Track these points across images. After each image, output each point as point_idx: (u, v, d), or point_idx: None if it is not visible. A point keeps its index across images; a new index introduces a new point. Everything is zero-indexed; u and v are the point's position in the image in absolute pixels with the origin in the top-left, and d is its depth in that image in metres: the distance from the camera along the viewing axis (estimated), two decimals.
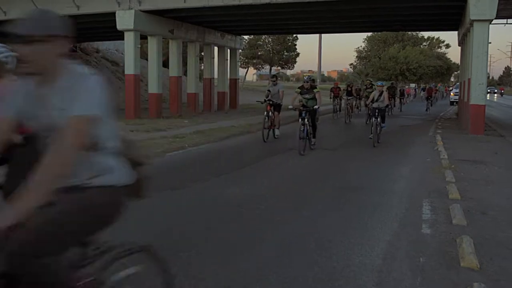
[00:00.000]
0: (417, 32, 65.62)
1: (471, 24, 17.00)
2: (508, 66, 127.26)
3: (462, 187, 7.92)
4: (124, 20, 21.90)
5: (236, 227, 5.77)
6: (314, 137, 12.44)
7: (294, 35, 63.06)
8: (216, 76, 31.45)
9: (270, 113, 14.05)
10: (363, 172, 9.63)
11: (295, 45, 66.32)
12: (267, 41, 65.05)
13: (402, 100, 33.08)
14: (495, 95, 70.74)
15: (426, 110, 30.49)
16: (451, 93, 43.07)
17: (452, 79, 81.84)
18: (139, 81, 24.04)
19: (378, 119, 13.67)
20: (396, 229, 5.78)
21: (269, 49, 65.20)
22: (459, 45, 27.35)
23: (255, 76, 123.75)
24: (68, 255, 2.40)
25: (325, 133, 15.65)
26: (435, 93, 43.83)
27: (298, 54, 67.68)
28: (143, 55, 29.41)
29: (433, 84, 39.26)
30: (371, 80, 27.94)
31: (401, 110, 30.71)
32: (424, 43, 71.06)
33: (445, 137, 15.28)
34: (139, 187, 2.76)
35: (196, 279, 4.23)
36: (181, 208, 6.70)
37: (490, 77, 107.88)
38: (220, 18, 25.37)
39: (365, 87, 24.97)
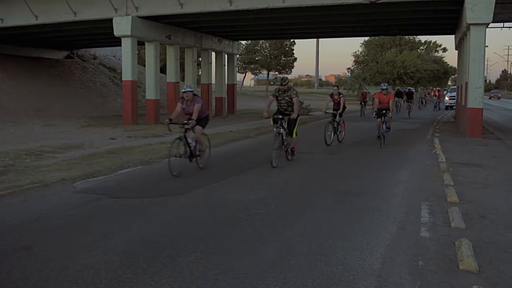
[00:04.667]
0: (414, 36, 65.95)
1: (468, 28, 17.05)
2: (505, 69, 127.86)
3: (460, 191, 7.93)
4: (121, 26, 21.92)
5: (236, 232, 5.76)
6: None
7: (292, 40, 63.19)
8: (213, 81, 31.48)
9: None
10: (362, 176, 9.63)
11: (293, 50, 66.45)
12: (264, 46, 65.13)
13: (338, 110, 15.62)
14: None
15: (378, 137, 14.65)
16: (446, 97, 42.34)
17: (449, 83, 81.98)
18: (137, 87, 24.04)
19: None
20: (395, 233, 5.78)
21: (266, 54, 65.28)
22: (456, 49, 27.42)
23: (252, 81, 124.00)
24: None
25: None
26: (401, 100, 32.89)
27: (295, 59, 67.78)
28: (141, 61, 29.48)
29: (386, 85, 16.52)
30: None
31: (328, 144, 14.14)
32: (421, 47, 71.28)
33: (443, 141, 15.29)
34: None
35: (196, 284, 4.22)
36: (180, 213, 6.69)
37: (487, 81, 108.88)
38: (217, 23, 25.41)
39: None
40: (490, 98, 75.92)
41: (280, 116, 10.80)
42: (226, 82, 31.88)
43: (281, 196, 7.82)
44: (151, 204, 7.20)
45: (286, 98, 11.04)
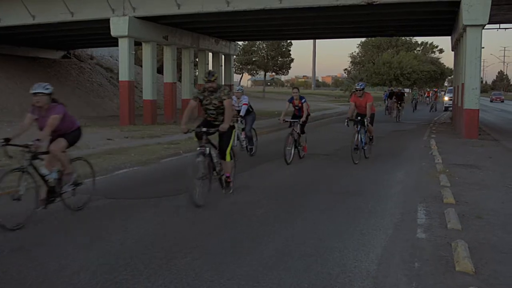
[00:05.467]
0: (411, 37, 66.07)
1: (464, 29, 17.10)
2: (501, 70, 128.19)
3: (456, 192, 7.94)
4: (118, 26, 21.92)
5: (232, 233, 5.76)
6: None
7: (288, 41, 63.21)
8: None
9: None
10: (358, 177, 9.64)
11: (290, 50, 66.45)
12: (261, 47, 65.15)
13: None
14: None
15: (355, 149, 11.84)
16: (446, 98, 41.66)
17: (446, 84, 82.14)
18: (134, 87, 24.03)
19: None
20: (392, 234, 5.78)
21: (263, 55, 65.30)
22: (452, 50, 27.48)
23: (249, 82, 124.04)
24: None
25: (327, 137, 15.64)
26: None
27: (292, 60, 67.78)
28: (138, 61, 29.45)
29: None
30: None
31: (287, 162, 11.09)
32: (418, 48, 71.46)
33: (439, 142, 15.32)
34: None
35: (191, 285, 4.22)
36: (177, 214, 6.68)
37: (484, 82, 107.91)
38: (214, 24, 25.42)
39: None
40: (491, 101, 64.28)
41: (204, 129, 7.35)
42: (223, 82, 31.89)
43: (277, 197, 7.82)
44: (148, 205, 7.18)
45: (215, 101, 7.52)
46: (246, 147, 12.26)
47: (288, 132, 11.33)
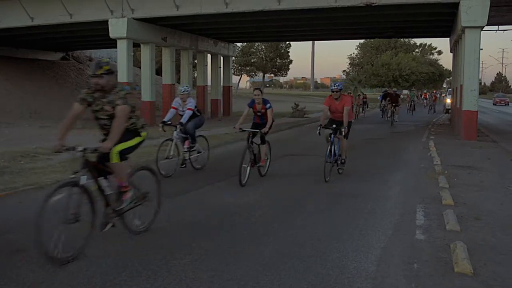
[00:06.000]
0: (409, 39, 66.22)
1: (463, 31, 17.12)
2: (499, 72, 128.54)
3: (455, 193, 7.95)
4: (117, 28, 21.91)
5: (231, 234, 5.76)
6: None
7: (287, 42, 63.31)
8: (209, 83, 31.47)
9: None
10: (357, 178, 9.63)
11: (288, 52, 66.53)
12: (260, 48, 65.25)
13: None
14: None
15: (335, 163, 9.97)
16: (449, 100, 40.48)
17: (444, 85, 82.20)
18: (133, 89, 24.00)
19: None
20: (391, 235, 5.79)
21: (262, 56, 65.37)
22: (451, 52, 27.50)
23: (248, 83, 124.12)
24: None
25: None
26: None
27: (291, 61, 67.96)
28: (136, 63, 29.46)
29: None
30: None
31: (242, 184, 8.74)
32: (417, 50, 71.62)
33: (438, 143, 15.33)
34: None
35: (190, 286, 4.21)
36: (175, 215, 6.67)
37: (482, 83, 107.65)
38: (213, 25, 25.43)
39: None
40: (495, 104, 58.65)
41: (80, 149, 4.94)
42: (221, 84, 31.90)
43: (276, 198, 7.82)
44: None
45: (107, 107, 5.28)
46: (190, 159, 10.15)
47: (244, 146, 9.33)
